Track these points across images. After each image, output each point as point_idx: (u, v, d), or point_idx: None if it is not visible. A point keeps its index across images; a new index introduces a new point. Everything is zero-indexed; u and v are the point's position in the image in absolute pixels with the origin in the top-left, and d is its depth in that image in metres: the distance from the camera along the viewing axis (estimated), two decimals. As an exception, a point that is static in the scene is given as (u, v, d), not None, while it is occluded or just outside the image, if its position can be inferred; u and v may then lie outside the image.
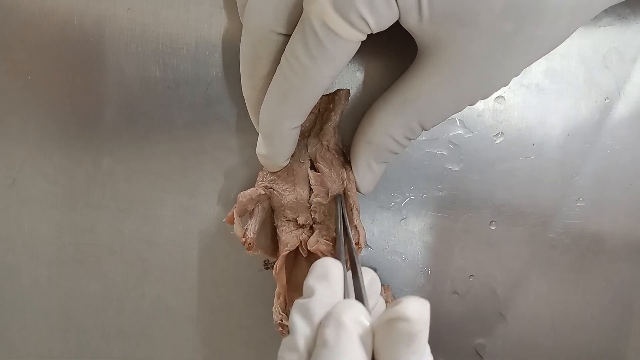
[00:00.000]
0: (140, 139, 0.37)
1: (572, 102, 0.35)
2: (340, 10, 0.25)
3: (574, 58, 0.35)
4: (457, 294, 0.39)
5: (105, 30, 0.35)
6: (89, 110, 0.37)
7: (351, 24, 0.25)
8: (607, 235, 0.37)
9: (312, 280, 0.26)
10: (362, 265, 0.29)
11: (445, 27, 0.26)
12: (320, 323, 0.24)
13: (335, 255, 0.31)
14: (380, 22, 0.25)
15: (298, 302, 0.26)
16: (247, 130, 0.36)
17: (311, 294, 0.25)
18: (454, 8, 0.25)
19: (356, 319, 0.23)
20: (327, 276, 0.26)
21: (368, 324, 0.23)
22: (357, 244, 0.31)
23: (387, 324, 0.23)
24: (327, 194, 0.33)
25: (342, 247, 0.30)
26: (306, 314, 0.25)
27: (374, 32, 0.26)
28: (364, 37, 0.26)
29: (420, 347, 0.23)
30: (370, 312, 0.25)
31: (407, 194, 0.37)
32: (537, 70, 0.35)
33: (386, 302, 0.35)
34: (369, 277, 0.28)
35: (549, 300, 0.39)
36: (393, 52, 0.34)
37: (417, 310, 0.22)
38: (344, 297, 0.26)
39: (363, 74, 0.35)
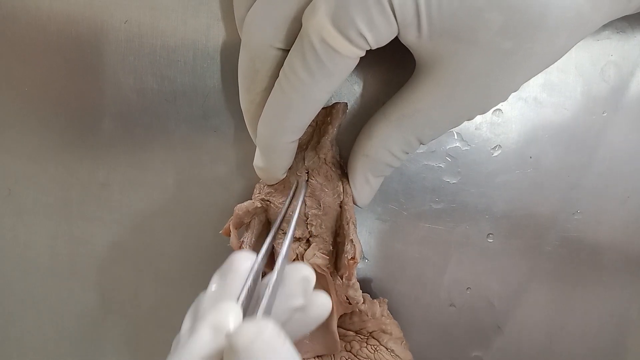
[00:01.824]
0: (137, 150, 0.37)
1: (570, 115, 0.35)
2: (339, 26, 0.24)
3: (571, 71, 0.35)
4: (454, 306, 0.39)
5: (102, 42, 0.35)
6: (85, 121, 0.37)
7: (350, 41, 0.25)
8: (605, 248, 0.37)
9: (216, 273, 0.25)
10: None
11: (443, 43, 0.26)
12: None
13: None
14: (378, 39, 0.25)
15: (199, 295, 0.25)
16: (244, 143, 0.36)
17: (208, 288, 0.25)
18: (452, 25, 0.25)
19: (217, 325, 0.22)
20: (227, 271, 0.25)
21: (224, 333, 0.21)
22: (352, 258, 0.31)
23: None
24: (320, 206, 0.33)
25: (270, 240, 0.28)
26: (195, 308, 0.25)
27: (373, 48, 0.26)
28: (362, 53, 0.26)
29: None
30: (261, 314, 0.23)
31: (405, 206, 0.37)
32: (535, 84, 0.35)
33: (381, 315, 0.35)
34: (300, 275, 0.26)
35: (546, 312, 0.39)
36: (391, 65, 0.34)
37: (246, 339, 0.20)
38: (239, 297, 0.24)
39: (361, 87, 0.35)
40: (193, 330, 0.22)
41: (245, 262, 0.25)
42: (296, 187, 0.33)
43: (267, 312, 0.24)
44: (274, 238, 0.29)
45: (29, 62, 0.36)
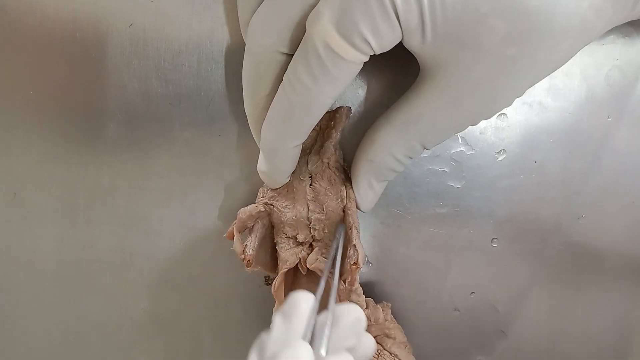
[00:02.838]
0: (142, 154, 0.37)
1: (574, 119, 0.35)
2: (343, 32, 0.24)
3: (576, 76, 0.35)
4: (458, 310, 0.39)
5: (107, 46, 0.35)
6: (90, 125, 0.37)
7: (354, 46, 0.25)
8: (608, 253, 0.37)
9: (277, 314, 0.26)
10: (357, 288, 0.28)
11: (447, 49, 0.26)
12: None
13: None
14: (382, 44, 0.25)
15: (260, 335, 0.26)
16: (248, 147, 0.36)
17: (272, 329, 0.25)
18: (456, 31, 0.25)
19: None
20: (290, 313, 0.25)
21: None
22: (355, 263, 0.31)
23: None
24: (323, 210, 0.33)
25: (324, 281, 0.29)
26: (261, 350, 0.25)
27: (377, 54, 0.26)
28: (366, 59, 0.26)
29: None
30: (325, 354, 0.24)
31: (409, 210, 0.37)
32: (539, 88, 0.35)
33: (385, 320, 0.35)
34: (352, 316, 0.26)
35: (549, 317, 0.39)
36: (395, 69, 0.34)
37: None
38: (304, 337, 0.25)
39: (365, 91, 0.35)
40: None
41: (306, 302, 0.26)
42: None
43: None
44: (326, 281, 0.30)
45: (34, 66, 0.36)
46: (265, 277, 0.38)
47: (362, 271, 0.38)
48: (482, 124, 0.35)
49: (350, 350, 0.26)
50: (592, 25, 0.25)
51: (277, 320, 0.25)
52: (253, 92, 0.30)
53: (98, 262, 0.39)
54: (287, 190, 0.34)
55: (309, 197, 0.33)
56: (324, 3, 0.25)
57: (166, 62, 0.35)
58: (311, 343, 0.25)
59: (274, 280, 0.34)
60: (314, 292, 0.28)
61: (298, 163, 0.33)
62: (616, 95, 0.35)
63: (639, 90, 0.35)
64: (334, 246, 0.32)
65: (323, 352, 0.24)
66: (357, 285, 0.33)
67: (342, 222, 0.33)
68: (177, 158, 0.37)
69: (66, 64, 0.36)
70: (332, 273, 0.31)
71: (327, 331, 0.25)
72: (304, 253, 0.34)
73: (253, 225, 0.34)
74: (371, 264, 0.38)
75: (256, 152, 0.32)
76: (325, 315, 0.26)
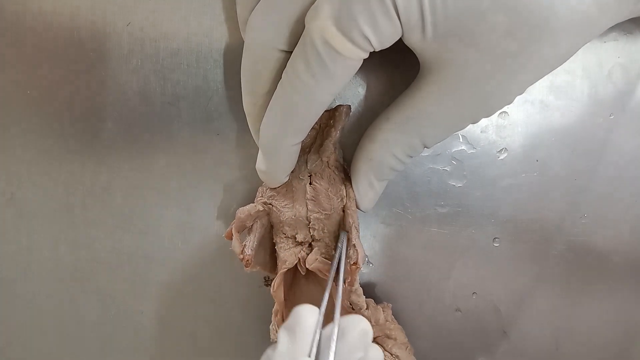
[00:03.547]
0: (140, 154, 0.37)
1: (577, 118, 0.35)
2: (342, 28, 0.24)
3: (578, 74, 0.34)
4: (460, 311, 0.38)
5: (105, 45, 0.35)
6: (88, 125, 0.37)
7: (353, 42, 0.25)
8: (611, 252, 0.37)
9: (282, 329, 0.26)
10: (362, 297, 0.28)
11: (448, 46, 0.25)
12: None
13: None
14: (382, 41, 0.25)
15: (267, 351, 0.26)
16: (247, 146, 0.36)
17: (277, 345, 0.25)
18: (457, 27, 0.24)
19: None
20: (295, 327, 0.25)
21: None
22: (355, 263, 0.31)
23: None
24: (323, 209, 0.33)
25: (327, 293, 0.29)
26: None
27: (377, 50, 0.26)
28: (366, 55, 0.26)
29: None
30: None
31: (409, 210, 0.37)
32: (541, 86, 0.34)
33: (385, 321, 0.35)
34: (359, 328, 0.27)
35: (552, 317, 0.38)
36: (395, 67, 0.34)
37: None
38: (309, 353, 0.25)
39: (365, 89, 0.35)
40: None
41: (311, 317, 0.26)
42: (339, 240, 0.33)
43: None
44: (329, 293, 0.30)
45: (31, 65, 0.36)
46: (264, 277, 0.38)
47: (363, 271, 0.38)
48: (483, 122, 0.35)
49: None
50: (596, 20, 0.25)
51: (282, 335, 0.26)
52: (252, 90, 0.30)
53: (95, 262, 0.39)
54: (286, 189, 0.34)
55: (308, 197, 0.33)
56: (323, -1, 0.25)
57: (164, 61, 0.35)
58: (317, 358, 0.25)
59: (273, 281, 0.33)
60: (313, 293, 0.28)
61: (297, 162, 0.33)
62: (619, 93, 0.34)
63: (641, 88, 0.34)
64: (337, 255, 0.32)
65: None
66: (357, 285, 0.32)
67: (343, 222, 0.33)
68: (175, 157, 0.37)
69: (64, 62, 0.36)
70: (336, 283, 0.30)
71: (333, 346, 0.25)
72: (303, 253, 0.34)
73: (252, 225, 0.34)
74: (372, 264, 0.38)
75: (255, 151, 0.32)
76: (331, 329, 0.26)
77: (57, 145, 0.37)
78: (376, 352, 0.28)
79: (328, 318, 0.27)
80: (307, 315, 0.26)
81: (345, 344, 0.26)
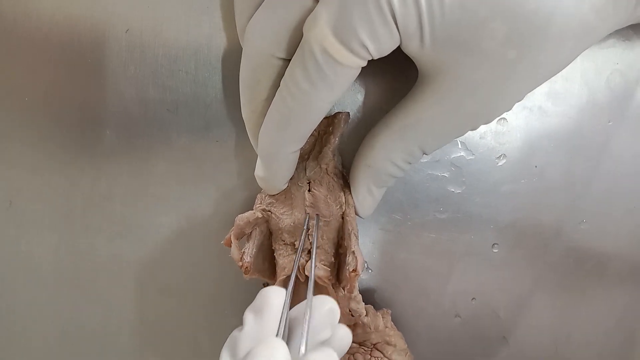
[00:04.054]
0: (139, 161, 0.37)
1: (575, 124, 0.35)
2: (340, 37, 0.24)
3: (576, 80, 0.34)
4: (460, 317, 0.38)
5: (103, 52, 0.35)
6: (86, 132, 0.37)
7: (351, 51, 0.25)
8: (611, 258, 0.37)
9: (248, 311, 0.26)
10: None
11: (447, 53, 0.25)
12: None
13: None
14: (381, 49, 0.25)
15: (232, 333, 0.25)
16: (245, 153, 0.36)
17: (243, 326, 0.25)
18: (455, 35, 0.24)
19: None
20: (262, 308, 0.25)
21: None
22: (354, 270, 0.31)
23: None
24: (321, 217, 0.33)
25: (294, 274, 0.29)
26: (233, 347, 0.25)
27: (375, 59, 0.26)
28: (364, 64, 0.26)
29: None
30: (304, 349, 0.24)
31: (409, 216, 0.37)
32: (539, 92, 0.34)
33: (385, 327, 0.35)
34: (326, 306, 0.27)
35: (552, 323, 0.38)
36: (394, 74, 0.34)
37: None
38: (277, 333, 0.25)
39: (363, 95, 0.35)
40: None
41: (277, 298, 0.26)
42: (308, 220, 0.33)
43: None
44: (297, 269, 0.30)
45: (30, 72, 0.36)
46: (263, 284, 0.38)
47: (362, 278, 0.38)
48: (482, 128, 0.35)
49: (325, 343, 0.26)
50: (593, 27, 0.25)
51: (249, 316, 0.25)
52: (250, 97, 0.30)
53: (95, 269, 0.39)
54: (285, 196, 0.34)
55: (307, 204, 0.33)
56: (321, 7, 0.25)
57: (163, 68, 0.35)
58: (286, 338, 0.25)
59: (273, 287, 0.33)
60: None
61: (296, 169, 0.33)
62: (617, 99, 0.34)
63: (639, 94, 0.34)
64: (302, 237, 0.32)
65: (303, 348, 0.24)
66: (356, 292, 0.32)
67: (342, 229, 0.33)
68: (174, 164, 0.36)
69: (62, 70, 0.36)
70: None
71: (306, 327, 0.25)
72: (302, 260, 0.34)
73: (251, 232, 0.34)
74: (371, 270, 0.38)
75: (254, 158, 0.32)
76: (297, 310, 0.26)
77: (56, 153, 0.37)
78: (344, 331, 0.28)
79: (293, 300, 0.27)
80: (274, 296, 0.26)
81: (313, 323, 0.26)
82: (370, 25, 0.24)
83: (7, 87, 0.37)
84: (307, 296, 0.27)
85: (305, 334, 0.24)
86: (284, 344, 0.23)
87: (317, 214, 0.33)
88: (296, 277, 0.34)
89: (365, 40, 0.24)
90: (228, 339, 0.25)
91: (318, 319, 0.26)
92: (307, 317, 0.25)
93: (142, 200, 0.37)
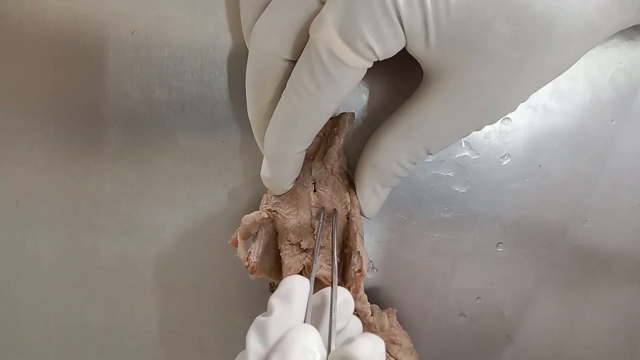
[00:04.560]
0: (145, 161, 0.37)
1: (579, 123, 0.35)
2: (346, 38, 0.24)
3: (580, 79, 0.34)
4: (464, 315, 0.38)
5: (109, 53, 0.35)
6: (92, 132, 0.37)
7: (357, 52, 0.25)
8: (615, 256, 0.37)
9: (274, 298, 0.26)
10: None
11: (452, 54, 0.25)
12: (274, 346, 0.24)
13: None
14: (386, 50, 0.25)
15: (258, 318, 0.26)
16: (251, 153, 0.36)
17: (271, 312, 0.25)
18: (461, 35, 0.24)
19: (307, 348, 0.23)
20: (289, 296, 0.26)
21: (319, 356, 0.23)
22: (359, 270, 0.31)
23: None
24: (327, 217, 0.33)
25: (314, 265, 0.30)
26: (262, 333, 0.25)
27: (380, 60, 0.26)
28: (370, 65, 0.26)
29: None
30: (334, 337, 0.24)
31: (414, 216, 0.37)
32: (543, 92, 0.34)
33: (390, 326, 0.35)
34: (341, 297, 0.28)
35: (556, 321, 0.38)
36: (399, 75, 0.34)
37: (366, 352, 0.22)
38: (305, 320, 0.25)
39: (368, 96, 0.35)
40: (282, 356, 0.23)
41: (303, 286, 0.26)
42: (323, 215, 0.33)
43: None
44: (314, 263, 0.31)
45: (36, 73, 0.36)
46: (269, 283, 0.38)
47: (367, 277, 0.38)
48: (486, 128, 0.35)
49: (341, 333, 0.27)
50: (598, 28, 0.25)
51: (276, 302, 0.26)
52: (256, 98, 0.30)
53: (101, 269, 0.39)
54: (291, 196, 0.34)
55: (312, 204, 0.33)
56: (327, 9, 0.25)
57: (169, 69, 0.35)
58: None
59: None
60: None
61: (302, 169, 0.33)
62: (621, 98, 0.34)
63: (643, 93, 0.35)
64: (318, 231, 0.32)
65: (333, 334, 0.25)
66: (361, 292, 0.33)
67: (347, 229, 0.33)
68: (180, 164, 0.37)
69: (68, 71, 0.36)
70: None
71: (335, 315, 0.26)
72: (308, 260, 0.34)
73: (257, 232, 0.34)
74: (376, 269, 0.38)
75: (260, 158, 0.32)
76: (318, 299, 0.27)
77: (61, 153, 0.37)
78: (356, 322, 0.29)
79: None
80: (300, 284, 0.26)
81: (329, 313, 0.26)
82: (376, 26, 0.24)
83: (13, 87, 0.37)
84: (332, 284, 0.28)
85: (333, 322, 0.25)
86: (315, 330, 0.24)
87: (334, 209, 0.33)
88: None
89: (371, 42, 0.24)
90: (253, 324, 0.26)
91: (336, 309, 0.27)
92: (336, 307, 0.26)
93: (147, 200, 0.38)
